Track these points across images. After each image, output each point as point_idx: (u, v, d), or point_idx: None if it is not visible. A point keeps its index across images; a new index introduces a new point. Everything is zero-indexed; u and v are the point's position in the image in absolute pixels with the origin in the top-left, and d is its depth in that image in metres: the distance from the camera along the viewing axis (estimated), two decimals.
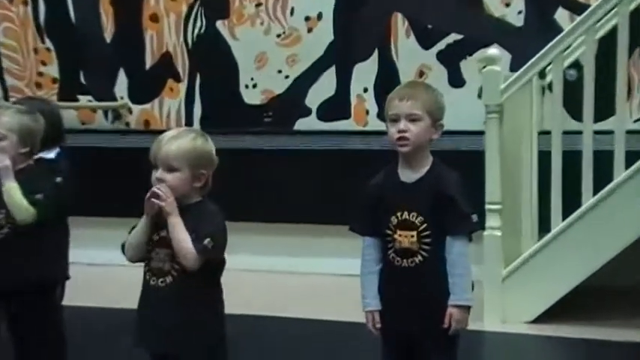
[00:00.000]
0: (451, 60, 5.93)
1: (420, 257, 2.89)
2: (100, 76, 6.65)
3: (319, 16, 6.15)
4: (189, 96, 6.46)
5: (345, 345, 4.67)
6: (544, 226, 4.97)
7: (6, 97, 6.64)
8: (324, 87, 6.18)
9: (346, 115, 6.17)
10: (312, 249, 6.22)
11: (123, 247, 2.94)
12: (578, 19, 4.98)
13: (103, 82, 6.62)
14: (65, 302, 3.71)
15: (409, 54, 5.99)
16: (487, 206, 4.88)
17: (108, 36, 6.58)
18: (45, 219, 3.43)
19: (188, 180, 2.85)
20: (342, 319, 4.93)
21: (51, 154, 3.75)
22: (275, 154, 6.24)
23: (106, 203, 6.27)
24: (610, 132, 4.87)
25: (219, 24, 6.35)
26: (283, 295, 5.76)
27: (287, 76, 6.25)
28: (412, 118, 2.90)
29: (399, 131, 2.90)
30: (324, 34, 6.15)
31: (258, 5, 6.25)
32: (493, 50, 5.16)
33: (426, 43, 5.98)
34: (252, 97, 6.34)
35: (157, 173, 2.84)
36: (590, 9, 4.91)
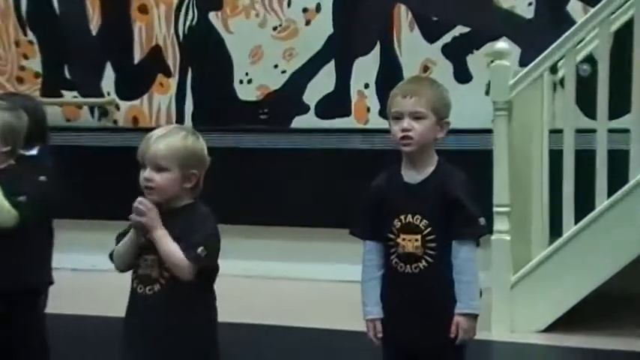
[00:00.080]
0: (457, 54, 5.94)
1: (424, 262, 2.88)
2: (85, 70, 6.64)
3: (318, 8, 6.15)
4: (180, 92, 6.45)
5: (344, 356, 4.67)
6: (555, 230, 4.97)
7: None
8: (323, 83, 6.18)
9: (346, 113, 6.17)
10: (309, 254, 6.21)
11: (111, 256, 2.93)
12: (592, 10, 4.97)
13: (89, 77, 6.62)
14: (48, 310, 3.71)
15: (413, 48, 5.99)
16: (495, 209, 4.87)
17: (94, 28, 6.58)
18: (28, 220, 3.42)
19: (178, 180, 2.84)
20: (342, 328, 4.92)
21: (33, 151, 3.75)
22: (271, 154, 6.24)
23: (91, 205, 6.27)
24: (625, 130, 4.87)
25: (211, 16, 6.35)
26: (279, 302, 5.76)
27: (284, 71, 6.25)
28: (416, 116, 2.90)
29: (403, 130, 2.89)
30: (323, 26, 6.15)
31: None
32: (502, 44, 5.15)
33: (430, 36, 5.98)
34: (246, 93, 6.33)
35: (145, 173, 2.83)
36: (604, 0, 4.90)
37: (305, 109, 6.23)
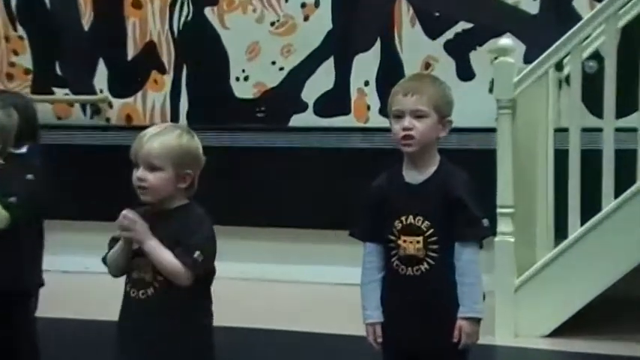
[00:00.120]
0: (460, 51, 5.94)
1: (426, 265, 2.88)
2: (77, 67, 6.64)
3: (316, 3, 6.15)
4: (174, 89, 6.45)
5: None
6: (560, 232, 4.97)
7: None
8: (322, 80, 6.18)
9: (346, 111, 6.17)
10: (308, 256, 6.21)
11: (104, 259, 2.92)
12: (599, 6, 4.97)
13: (81, 74, 6.62)
14: (39, 313, 3.71)
15: (414, 44, 5.99)
16: (499, 210, 4.87)
17: (86, 23, 6.57)
18: (19, 221, 3.42)
19: (172, 180, 2.83)
20: (341, 332, 4.92)
21: (23, 150, 3.75)
22: (268, 153, 6.24)
23: (83, 205, 6.26)
24: (633, 129, 4.87)
25: (207, 11, 6.35)
26: (277, 305, 5.76)
27: (281, 68, 6.25)
28: (418, 115, 2.89)
29: (404, 129, 2.89)
30: (322, 22, 6.15)
31: None
32: (506, 40, 5.15)
33: (432, 32, 5.98)
34: (243, 90, 6.33)
35: (138, 172, 2.83)
36: None
37: (303, 107, 6.23)
